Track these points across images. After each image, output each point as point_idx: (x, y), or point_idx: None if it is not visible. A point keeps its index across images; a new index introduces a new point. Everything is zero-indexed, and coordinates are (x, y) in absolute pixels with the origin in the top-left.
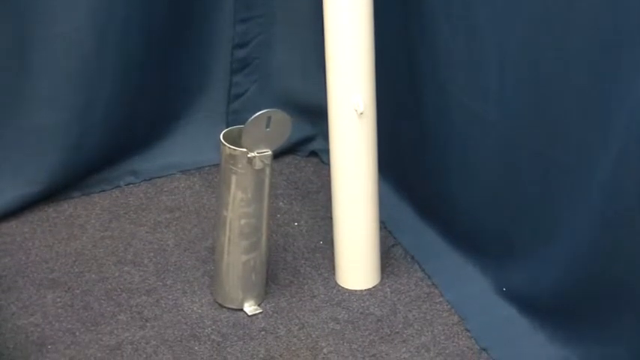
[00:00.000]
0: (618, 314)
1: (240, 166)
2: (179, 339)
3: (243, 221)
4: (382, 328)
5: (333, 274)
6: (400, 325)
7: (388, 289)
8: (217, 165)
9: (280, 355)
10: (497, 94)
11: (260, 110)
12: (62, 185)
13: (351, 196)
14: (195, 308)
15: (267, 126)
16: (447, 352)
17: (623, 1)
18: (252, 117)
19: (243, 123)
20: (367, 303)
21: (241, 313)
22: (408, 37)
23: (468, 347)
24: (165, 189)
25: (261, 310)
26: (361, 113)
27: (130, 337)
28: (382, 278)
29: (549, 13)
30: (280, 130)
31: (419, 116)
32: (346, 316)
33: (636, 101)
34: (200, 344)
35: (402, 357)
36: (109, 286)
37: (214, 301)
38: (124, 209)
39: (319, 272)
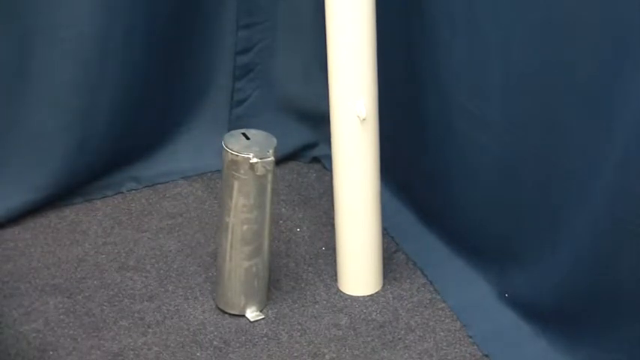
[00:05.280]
0: (620, 320)
1: (242, 171)
2: (181, 345)
3: (245, 227)
4: (384, 335)
5: (335, 280)
6: (402, 332)
7: (390, 295)
8: (220, 171)
9: None
10: (499, 98)
11: (262, 115)
12: (64, 191)
13: (354, 202)
14: (197, 314)
15: (248, 138)
16: (449, 358)
17: (626, 4)
18: (227, 134)
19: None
20: (369, 309)
21: (243, 319)
22: (409, 41)
23: (470, 354)
24: (167, 195)
25: (263, 316)
26: (363, 119)
27: (132, 344)
28: (384, 284)
29: (551, 15)
30: (263, 138)
31: (420, 121)
32: (348, 322)
33: (638, 109)
34: (202, 350)
35: None
36: (111, 292)
37: (216, 307)
38: (126, 215)
39: (321, 278)
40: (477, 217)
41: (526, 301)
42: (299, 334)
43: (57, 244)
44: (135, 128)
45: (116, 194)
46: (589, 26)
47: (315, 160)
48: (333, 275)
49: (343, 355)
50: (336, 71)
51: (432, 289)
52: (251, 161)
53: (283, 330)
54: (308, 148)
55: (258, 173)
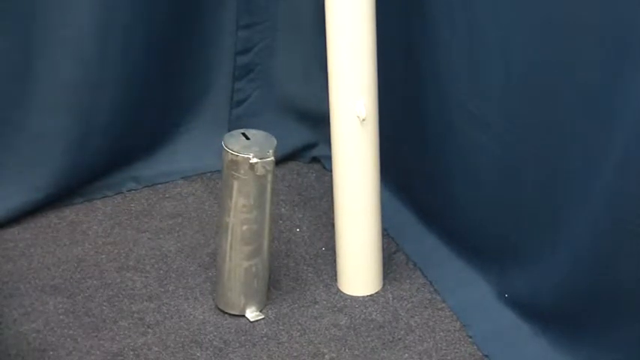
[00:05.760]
0: (620, 320)
1: (242, 172)
2: (181, 345)
3: (245, 227)
4: (384, 335)
5: (335, 280)
6: (402, 332)
7: (390, 296)
8: (219, 171)
9: None
10: (499, 98)
11: (262, 115)
12: (64, 191)
13: (353, 203)
14: (197, 314)
15: (247, 138)
16: (449, 358)
17: (626, 4)
18: (227, 134)
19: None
20: (369, 309)
21: (243, 319)
22: (409, 41)
23: (470, 354)
24: (167, 195)
25: (263, 316)
26: (363, 119)
27: (131, 344)
28: (384, 284)
29: (550, 18)
30: (263, 138)
31: (420, 121)
32: (348, 322)
33: (638, 109)
34: (202, 350)
35: None
36: (111, 293)
37: (216, 307)
38: (126, 215)
39: (321, 278)
40: (477, 217)
41: (526, 301)
42: (299, 334)
43: (57, 244)
44: (135, 128)
45: (116, 194)
46: (589, 26)
47: (315, 160)
48: (333, 275)
49: (343, 355)
50: (336, 71)
51: (431, 289)
52: (251, 161)
53: (283, 330)
54: (308, 148)
55: (258, 173)
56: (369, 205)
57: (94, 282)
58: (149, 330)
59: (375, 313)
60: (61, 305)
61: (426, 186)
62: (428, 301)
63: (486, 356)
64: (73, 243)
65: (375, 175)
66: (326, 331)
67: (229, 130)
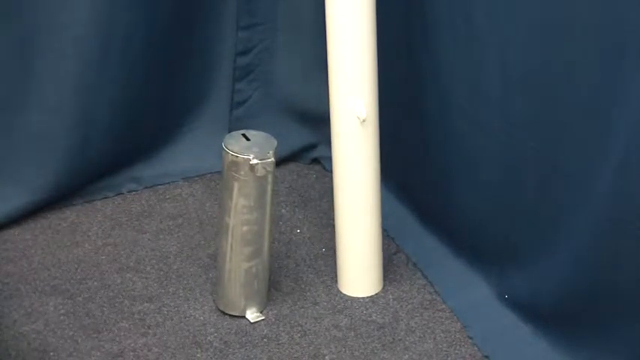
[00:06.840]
0: (620, 320)
1: (242, 172)
2: (181, 346)
3: (245, 228)
4: (384, 336)
5: (336, 281)
6: (402, 333)
7: (390, 297)
8: (220, 172)
9: None
10: (498, 100)
11: (262, 116)
12: (64, 192)
13: (354, 204)
14: (197, 315)
15: (248, 139)
16: (450, 359)
17: (626, 4)
18: (227, 135)
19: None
20: (369, 310)
21: (243, 320)
22: (409, 42)
23: (470, 355)
24: (167, 196)
25: (263, 317)
26: (363, 120)
27: (132, 345)
28: (384, 285)
29: (550, 18)
30: (263, 139)
31: (420, 121)
32: (348, 323)
33: (638, 109)
34: (202, 351)
35: None
36: (112, 294)
37: (217, 308)
38: (126, 216)
39: (321, 279)
40: (477, 217)
41: (526, 302)
42: (299, 335)
43: (57, 245)
44: (135, 129)
45: (116, 195)
46: (589, 26)
47: (315, 161)
48: (333, 276)
49: (343, 356)
50: (336, 72)
51: (432, 290)
52: (251, 162)
53: (283, 331)
54: (308, 149)
55: (258, 174)
56: (369, 205)
57: (95, 283)
58: (149, 331)
59: (375, 314)
60: (61, 306)
61: (426, 186)
62: (428, 302)
63: (487, 357)
64: (74, 244)
65: (375, 175)
66: (326, 332)
67: (230, 131)
